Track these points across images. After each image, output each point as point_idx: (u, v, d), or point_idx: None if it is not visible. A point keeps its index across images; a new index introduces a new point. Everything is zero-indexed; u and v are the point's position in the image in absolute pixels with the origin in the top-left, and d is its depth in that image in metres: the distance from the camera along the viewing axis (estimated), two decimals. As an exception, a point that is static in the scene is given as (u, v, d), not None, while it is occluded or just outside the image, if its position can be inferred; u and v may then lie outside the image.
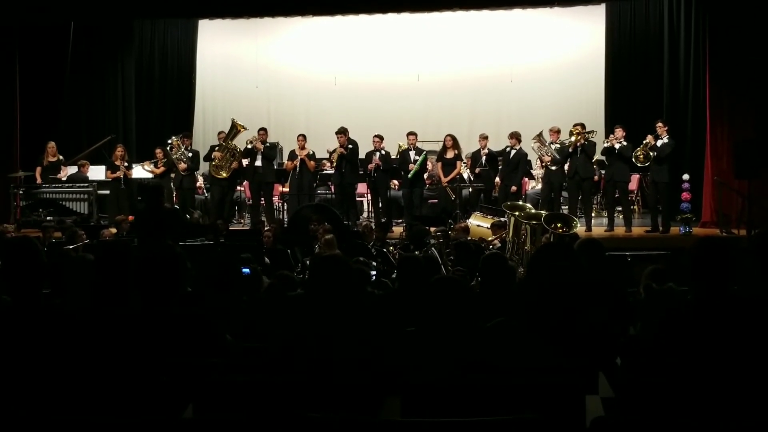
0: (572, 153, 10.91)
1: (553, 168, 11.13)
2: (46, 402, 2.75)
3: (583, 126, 10.99)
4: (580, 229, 9.71)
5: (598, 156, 11.23)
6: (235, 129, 12.25)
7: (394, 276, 7.47)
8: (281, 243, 9.16)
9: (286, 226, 11.14)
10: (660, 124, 10.73)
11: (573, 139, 10.85)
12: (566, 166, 11.25)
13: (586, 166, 10.91)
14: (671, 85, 12.62)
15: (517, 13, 14.69)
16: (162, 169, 12.23)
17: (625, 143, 10.76)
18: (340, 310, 3.26)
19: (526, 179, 12.57)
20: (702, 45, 11.75)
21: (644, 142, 10.59)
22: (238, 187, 13.04)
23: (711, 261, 3.12)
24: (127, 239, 9.08)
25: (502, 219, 9.80)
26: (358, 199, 12.91)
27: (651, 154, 10.54)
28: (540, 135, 11.33)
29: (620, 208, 11.35)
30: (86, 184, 12.20)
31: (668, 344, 3.10)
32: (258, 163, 12.07)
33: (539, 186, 12.00)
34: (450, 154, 11.96)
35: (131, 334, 3.19)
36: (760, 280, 3.47)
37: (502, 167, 11.74)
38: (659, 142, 10.56)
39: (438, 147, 12.73)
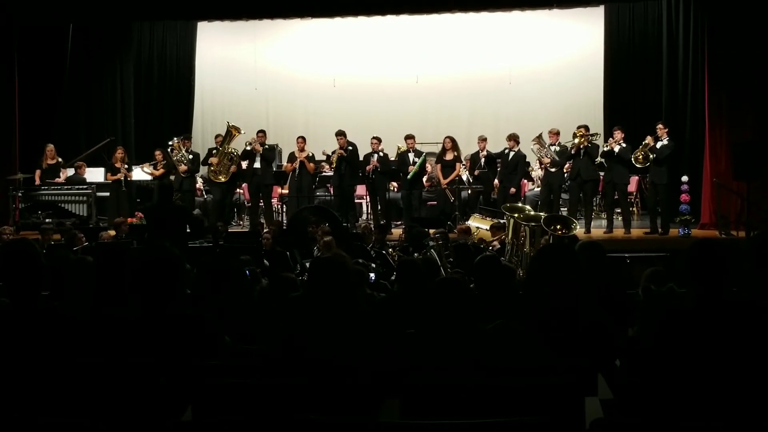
0: (575, 155, 10.92)
1: (553, 170, 11.14)
2: (45, 404, 2.75)
3: (587, 128, 10.99)
4: (579, 230, 9.71)
5: (598, 158, 11.24)
6: (230, 134, 12.21)
7: (393, 278, 7.47)
8: (280, 245, 9.16)
9: (285, 228, 11.14)
10: (660, 125, 10.74)
11: (576, 140, 10.85)
12: (566, 167, 11.27)
13: (588, 168, 10.91)
14: (670, 86, 12.63)
15: (515, 14, 14.70)
16: (161, 171, 12.23)
17: (624, 145, 10.76)
18: (339, 312, 3.26)
19: (525, 181, 12.58)
20: (701, 46, 11.75)
21: (644, 142, 10.60)
22: (237, 190, 13.04)
23: (707, 263, 3.12)
24: (126, 241, 9.10)
25: (501, 221, 9.81)
26: (357, 201, 12.91)
27: (650, 155, 10.55)
28: (540, 137, 11.34)
29: (619, 210, 11.36)
30: (85, 187, 12.21)
31: (666, 346, 3.10)
32: (257, 165, 12.07)
33: (537, 188, 12.01)
34: (449, 156, 11.97)
35: (130, 337, 3.18)
36: (758, 282, 3.47)
37: (501, 169, 11.75)
38: (659, 144, 10.56)
39: (437, 149, 12.74)
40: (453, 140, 12.02)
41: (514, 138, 11.60)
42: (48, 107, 13.48)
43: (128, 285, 3.36)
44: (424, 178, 12.53)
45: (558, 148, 11.18)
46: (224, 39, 15.75)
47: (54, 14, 12.15)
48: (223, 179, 12.08)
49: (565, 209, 11.51)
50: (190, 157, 12.26)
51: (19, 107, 12.59)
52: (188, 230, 8.90)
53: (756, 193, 10.40)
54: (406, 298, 4.69)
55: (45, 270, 3.35)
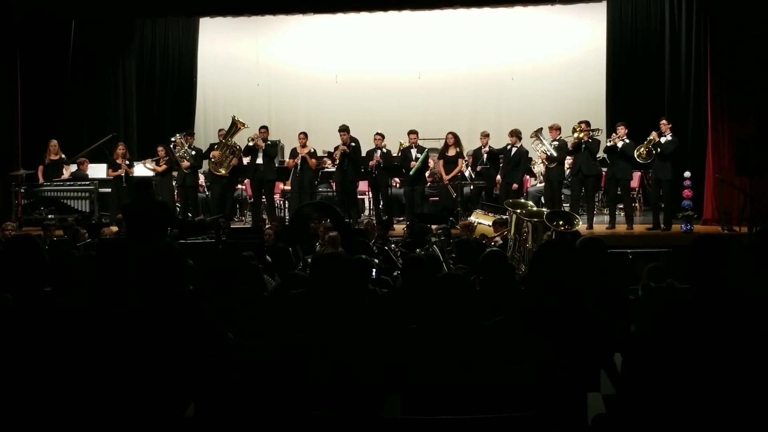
0: (574, 150, 10.90)
1: (552, 165, 11.14)
2: (47, 401, 2.75)
3: (588, 123, 10.98)
4: (581, 226, 9.70)
5: (600, 154, 11.22)
6: (235, 126, 12.22)
7: (395, 274, 7.47)
8: (282, 241, 9.16)
9: (287, 224, 11.14)
10: (664, 121, 10.72)
11: (576, 135, 10.84)
12: (568, 163, 11.26)
13: (589, 163, 10.90)
14: (673, 82, 12.60)
15: (518, 10, 14.67)
16: (164, 167, 12.23)
17: (627, 141, 10.75)
18: (341, 308, 3.26)
19: (527, 177, 12.56)
20: (703, 42, 11.73)
21: (648, 138, 10.59)
22: (239, 186, 13.04)
23: (709, 258, 3.12)
24: (128, 237, 9.08)
25: (504, 216, 9.80)
26: (359, 197, 12.91)
27: (654, 151, 10.53)
28: (538, 132, 11.33)
29: (622, 206, 11.34)
30: (87, 183, 12.22)
31: (668, 341, 3.10)
32: (259, 161, 12.06)
33: (540, 184, 12.00)
34: (452, 152, 11.96)
35: (132, 333, 3.19)
36: (761, 277, 3.47)
37: (503, 165, 11.73)
38: (663, 140, 10.55)
39: (439, 145, 12.73)
40: (455, 136, 12.01)
41: (516, 134, 11.58)
42: (50, 103, 13.48)
43: (130, 281, 3.36)
44: (427, 174, 12.53)
45: (557, 143, 11.17)
46: (226, 35, 15.74)
47: (56, 10, 12.15)
48: (223, 172, 12.07)
49: (567, 205, 11.50)
50: (193, 152, 12.25)
51: (21, 103, 12.60)
52: (191, 228, 8.81)
53: (758, 188, 10.39)
54: (409, 294, 4.69)
55: (47, 266, 3.35)
